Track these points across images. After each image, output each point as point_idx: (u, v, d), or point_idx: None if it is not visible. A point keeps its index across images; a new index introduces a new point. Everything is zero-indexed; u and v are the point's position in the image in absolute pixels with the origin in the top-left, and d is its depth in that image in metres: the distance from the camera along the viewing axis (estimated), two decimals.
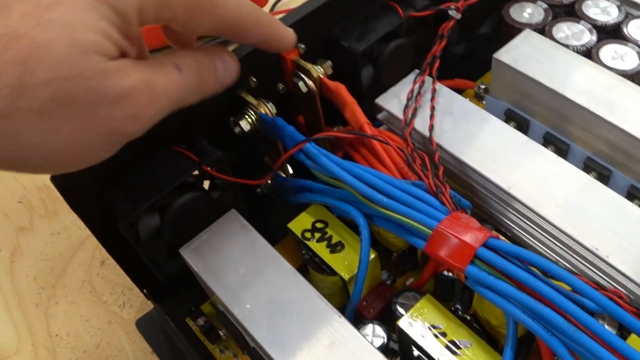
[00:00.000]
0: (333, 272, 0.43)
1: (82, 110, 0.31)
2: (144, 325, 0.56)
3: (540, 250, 0.44)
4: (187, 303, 0.52)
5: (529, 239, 0.45)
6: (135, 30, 0.34)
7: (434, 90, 0.49)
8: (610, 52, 0.53)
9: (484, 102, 0.59)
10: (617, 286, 0.40)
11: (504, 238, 0.38)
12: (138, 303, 0.59)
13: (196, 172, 0.45)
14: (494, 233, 0.38)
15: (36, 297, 0.61)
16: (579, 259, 0.42)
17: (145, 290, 0.52)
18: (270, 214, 0.56)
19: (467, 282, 0.38)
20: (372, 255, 0.42)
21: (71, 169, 0.34)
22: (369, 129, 0.45)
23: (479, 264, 0.37)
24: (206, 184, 0.49)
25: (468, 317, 0.42)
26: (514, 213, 0.44)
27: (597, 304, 0.35)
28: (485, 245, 0.37)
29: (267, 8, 0.82)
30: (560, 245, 0.43)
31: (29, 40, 0.29)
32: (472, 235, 0.37)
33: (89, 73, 0.30)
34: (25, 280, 0.62)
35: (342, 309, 0.44)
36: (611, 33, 0.55)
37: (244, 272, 0.42)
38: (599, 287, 0.36)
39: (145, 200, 0.43)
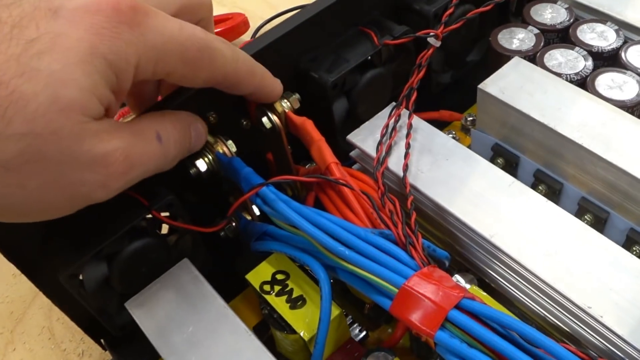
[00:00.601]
0: (293, 331, 0.38)
1: (51, 169, 0.29)
2: None
3: (527, 305, 0.40)
4: (147, 353, 0.47)
5: (516, 292, 0.40)
6: (127, 85, 0.32)
7: (409, 125, 0.44)
8: (607, 81, 0.48)
9: (470, 135, 0.55)
10: (614, 349, 0.36)
11: (480, 297, 0.34)
12: (98, 352, 0.55)
13: (149, 216, 0.41)
14: (469, 293, 0.33)
15: None
16: (569, 316, 0.37)
17: (102, 341, 0.48)
18: (238, 258, 0.52)
19: (437, 349, 0.33)
20: (336, 313, 0.38)
21: (22, 220, 0.34)
22: (336, 170, 0.41)
23: (450, 328, 0.32)
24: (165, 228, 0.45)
25: None
26: (498, 264, 0.40)
27: None
28: (458, 306, 0.32)
29: (248, 35, 0.78)
30: (548, 301, 0.38)
31: (11, 89, 0.27)
32: (443, 294, 0.33)
33: (64, 133, 0.29)
34: None
35: None
36: (608, 60, 0.51)
37: (192, 330, 0.38)
38: (589, 358, 0.31)
39: (87, 249, 0.39)
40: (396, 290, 0.34)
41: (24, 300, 0.60)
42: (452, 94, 0.58)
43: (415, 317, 0.33)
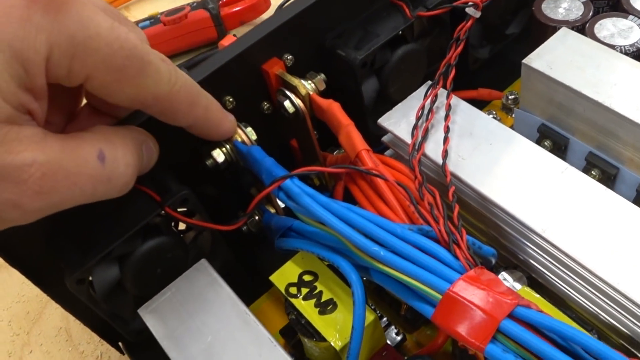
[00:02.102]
0: (322, 338, 0.35)
1: None
2: None
3: (583, 305, 0.35)
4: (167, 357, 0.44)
5: (570, 291, 0.36)
6: (41, 82, 0.26)
7: (448, 107, 0.40)
8: None
9: (512, 115, 0.50)
10: None
11: (535, 303, 0.29)
12: (117, 355, 0.52)
13: (163, 213, 0.38)
14: (523, 299, 0.29)
15: (10, 345, 0.55)
16: (632, 319, 0.33)
17: (120, 344, 0.45)
18: (264, 254, 0.48)
19: None
20: (370, 318, 0.34)
21: None
22: (367, 159, 0.37)
23: (503, 340, 0.28)
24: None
25: None
26: (551, 260, 0.36)
27: None
28: (511, 315, 0.28)
29: (269, 14, 0.74)
30: (608, 301, 0.34)
31: None
32: (494, 302, 0.29)
33: None
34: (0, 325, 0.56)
35: None
36: None
37: (212, 340, 0.34)
38: None
39: (95, 250, 0.36)
40: (439, 296, 0.30)
41: (40, 299, 0.57)
42: (489, 70, 0.54)
43: (462, 328, 0.29)
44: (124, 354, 0.46)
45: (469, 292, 0.29)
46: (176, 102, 0.32)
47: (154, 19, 0.69)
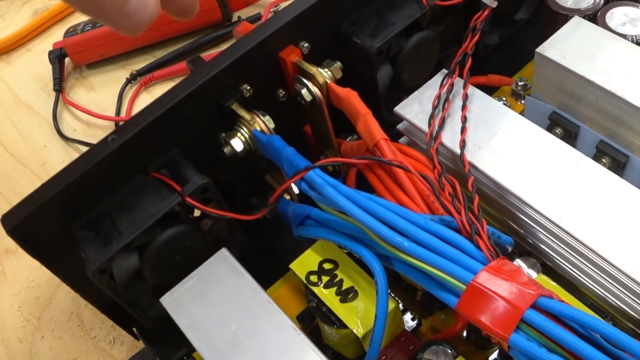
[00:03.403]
0: (344, 326, 0.35)
1: None
2: None
3: (598, 293, 0.36)
4: (182, 344, 0.45)
5: (586, 280, 0.37)
6: None
7: (465, 96, 0.40)
8: None
9: (522, 101, 0.50)
10: None
11: (557, 295, 0.30)
12: (130, 340, 0.52)
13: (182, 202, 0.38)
14: (546, 290, 0.30)
15: (20, 330, 0.55)
16: None
17: (134, 329, 0.45)
18: (277, 239, 0.48)
19: (511, 352, 0.30)
20: (392, 306, 0.34)
21: None
22: (387, 149, 0.37)
23: (526, 330, 0.29)
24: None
25: None
26: (566, 249, 0.36)
27: None
28: (535, 306, 0.29)
29: None
30: (625, 291, 0.34)
31: None
32: (518, 292, 0.29)
33: None
34: (9, 310, 0.56)
35: None
36: None
37: (235, 329, 0.34)
38: None
39: (116, 242, 0.36)
40: (463, 286, 0.30)
41: (50, 285, 0.57)
42: (498, 56, 0.54)
43: (487, 318, 0.29)
44: (138, 340, 0.46)
45: (493, 282, 0.30)
46: None
47: None
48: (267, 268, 0.46)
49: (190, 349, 0.42)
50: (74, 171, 0.36)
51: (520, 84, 0.51)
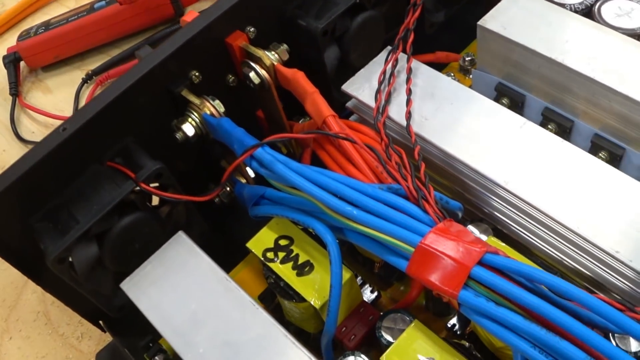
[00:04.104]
0: (302, 299, 0.36)
1: None
2: (105, 359, 0.49)
3: (547, 252, 0.37)
4: (150, 333, 0.45)
5: (535, 240, 0.38)
6: None
7: (409, 70, 0.41)
8: (613, 9, 0.45)
9: (470, 76, 0.52)
10: None
11: (503, 251, 0.31)
12: (97, 334, 0.53)
13: (137, 189, 0.38)
14: (491, 247, 0.31)
15: None
16: (596, 263, 0.35)
17: (101, 322, 0.46)
18: (237, 224, 0.49)
19: (462, 309, 0.31)
20: (347, 276, 0.35)
21: None
22: (334, 124, 0.38)
23: (474, 286, 0.30)
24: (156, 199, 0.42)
25: (467, 344, 0.35)
26: (515, 211, 0.37)
27: (622, 330, 0.28)
28: (481, 262, 0.30)
29: None
30: (571, 247, 0.36)
31: None
32: (464, 251, 0.30)
33: None
34: None
35: (320, 335, 0.38)
36: None
37: (195, 308, 0.35)
38: (625, 308, 0.29)
39: (74, 231, 0.36)
40: (412, 249, 0.31)
41: (15, 286, 0.57)
42: (444, 34, 0.55)
43: (436, 278, 0.30)
44: (105, 332, 0.47)
45: (440, 243, 0.31)
46: None
47: None
48: (228, 253, 0.46)
49: (156, 335, 0.42)
50: (26, 163, 0.36)
51: (467, 59, 0.52)
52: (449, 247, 0.30)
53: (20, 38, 0.71)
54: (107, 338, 0.51)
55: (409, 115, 0.39)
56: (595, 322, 0.29)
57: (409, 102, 0.40)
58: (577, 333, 0.28)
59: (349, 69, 0.46)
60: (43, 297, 0.56)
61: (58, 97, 0.71)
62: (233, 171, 0.39)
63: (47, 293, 0.54)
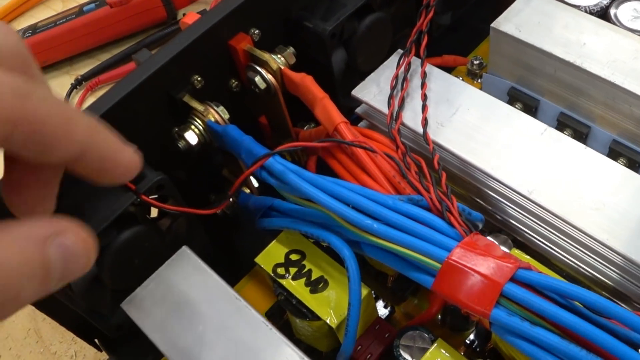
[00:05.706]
0: (316, 317, 0.34)
1: None
2: None
3: (571, 264, 0.35)
4: (147, 353, 0.43)
5: (556, 251, 0.36)
6: None
7: (423, 74, 0.39)
8: (629, 10, 0.44)
9: (479, 80, 0.50)
10: None
11: (535, 267, 0.29)
12: (92, 352, 0.51)
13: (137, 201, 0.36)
14: (523, 262, 0.29)
15: None
16: (629, 278, 0.33)
17: (96, 341, 0.43)
18: (240, 237, 0.47)
19: (493, 329, 0.29)
20: (365, 293, 0.33)
21: None
22: (347, 131, 0.36)
23: (507, 304, 0.28)
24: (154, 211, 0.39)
25: None
26: (538, 222, 0.36)
27: None
28: (513, 279, 0.28)
29: None
30: (603, 262, 0.34)
31: None
32: (495, 267, 0.28)
33: None
34: None
35: (333, 354, 0.36)
36: None
37: (203, 329, 0.33)
38: None
39: None
40: (439, 265, 0.29)
41: None
42: (450, 36, 0.53)
43: (465, 296, 0.28)
44: (101, 351, 0.44)
45: (469, 259, 0.29)
46: (53, 128, 0.21)
47: (99, 1, 0.66)
48: (230, 267, 0.44)
49: (157, 355, 0.40)
50: None
51: (475, 62, 0.50)
52: (478, 263, 0.28)
53: None
54: (102, 357, 0.49)
55: (425, 122, 0.37)
56: (633, 340, 0.28)
57: (424, 108, 0.38)
58: (619, 353, 0.26)
59: (355, 74, 0.44)
60: (34, 314, 0.54)
61: None
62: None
63: (37, 310, 0.52)
